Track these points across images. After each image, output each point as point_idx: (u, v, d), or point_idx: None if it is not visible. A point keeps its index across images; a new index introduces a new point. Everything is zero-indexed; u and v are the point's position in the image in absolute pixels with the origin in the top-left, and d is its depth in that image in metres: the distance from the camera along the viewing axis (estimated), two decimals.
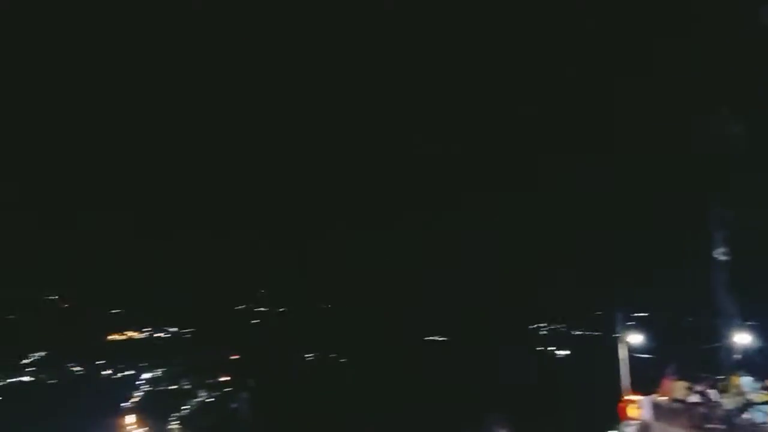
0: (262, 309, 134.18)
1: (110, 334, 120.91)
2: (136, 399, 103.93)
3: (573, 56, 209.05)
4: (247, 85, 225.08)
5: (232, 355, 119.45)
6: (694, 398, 21.24)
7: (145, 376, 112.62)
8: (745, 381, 20.45)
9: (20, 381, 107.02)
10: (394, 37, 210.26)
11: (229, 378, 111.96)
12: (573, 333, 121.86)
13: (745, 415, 19.16)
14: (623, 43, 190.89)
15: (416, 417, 79.07)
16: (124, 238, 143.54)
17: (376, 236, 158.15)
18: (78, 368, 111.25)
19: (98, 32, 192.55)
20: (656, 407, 22.80)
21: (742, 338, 24.25)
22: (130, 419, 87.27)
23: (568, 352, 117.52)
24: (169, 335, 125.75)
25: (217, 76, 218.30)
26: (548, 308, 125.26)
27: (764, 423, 18.61)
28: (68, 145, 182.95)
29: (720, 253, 25.33)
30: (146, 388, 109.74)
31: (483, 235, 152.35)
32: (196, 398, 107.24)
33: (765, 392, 19.89)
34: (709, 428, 19.62)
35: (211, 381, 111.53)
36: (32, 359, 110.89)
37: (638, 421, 23.62)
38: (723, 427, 19.28)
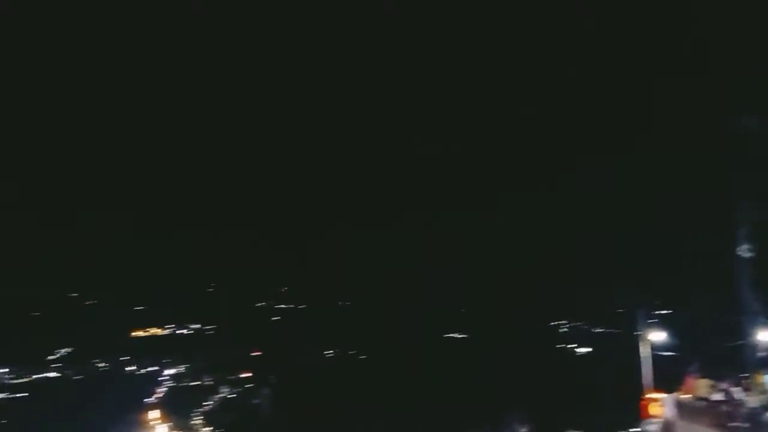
0: (283, 306, 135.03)
1: (134, 331, 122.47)
2: (160, 394, 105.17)
3: (573, 56, 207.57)
4: (247, 85, 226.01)
5: (254, 352, 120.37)
6: (718, 396, 21.18)
7: (168, 372, 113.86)
8: None
9: (46, 377, 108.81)
10: (394, 37, 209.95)
11: (250, 374, 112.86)
12: (594, 330, 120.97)
13: None
14: (623, 43, 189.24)
15: (436, 414, 79.24)
16: (146, 237, 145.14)
17: (393, 235, 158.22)
18: (103, 364, 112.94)
19: (98, 32, 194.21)
20: (679, 405, 22.75)
21: (767, 336, 24.07)
22: (154, 414, 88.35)
23: (589, 350, 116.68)
24: (191, 332, 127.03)
25: (217, 76, 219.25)
26: (569, 306, 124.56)
27: None
28: (84, 143, 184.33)
29: (744, 250, 25.17)
30: (169, 383, 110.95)
31: (502, 232, 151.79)
32: (218, 394, 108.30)
33: None
34: (733, 426, 19.55)
35: (232, 377, 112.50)
36: (58, 355, 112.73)
37: (661, 419, 23.57)
38: (747, 425, 19.20)
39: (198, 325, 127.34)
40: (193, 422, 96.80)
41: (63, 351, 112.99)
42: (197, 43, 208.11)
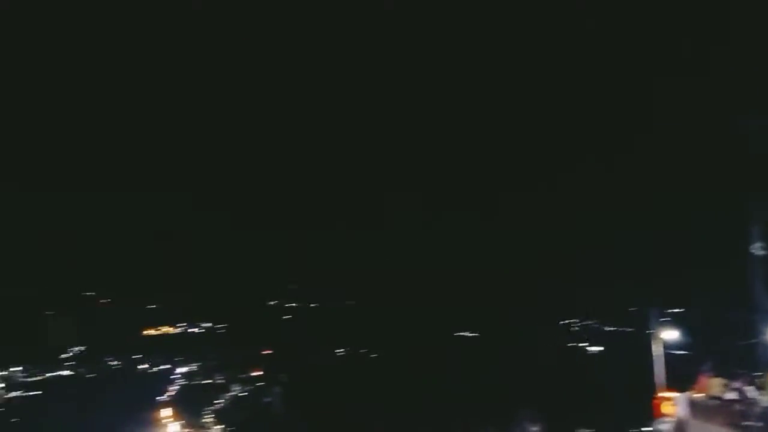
0: (293, 304, 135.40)
1: (146, 329, 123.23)
2: (172, 393, 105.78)
3: (574, 56, 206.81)
4: (247, 85, 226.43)
5: (265, 350, 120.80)
6: (731, 395, 21.05)
7: (180, 370, 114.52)
8: None
9: (60, 375, 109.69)
10: (394, 37, 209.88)
11: (261, 373, 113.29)
12: (605, 329, 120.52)
13: None
14: (623, 43, 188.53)
15: (447, 412, 79.24)
16: (158, 237, 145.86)
17: (403, 234, 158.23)
18: (115, 362, 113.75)
19: (97, 31, 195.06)
20: (692, 404, 22.64)
21: None
22: (166, 412, 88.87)
23: (600, 349, 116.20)
24: (203, 330, 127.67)
25: (217, 76, 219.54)
26: (580, 304, 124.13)
27: None
28: (83, 142, 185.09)
29: (757, 249, 24.99)
30: (181, 382, 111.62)
31: (507, 232, 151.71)
32: (229, 392, 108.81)
33: None
34: (746, 425, 19.45)
35: (243, 376, 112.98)
36: (71, 354, 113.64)
37: (674, 418, 23.49)
38: (760, 424, 19.10)
39: (209, 324, 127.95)
40: (204, 420, 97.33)
41: (76, 349, 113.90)
42: (197, 43, 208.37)
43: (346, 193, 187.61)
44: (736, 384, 21.19)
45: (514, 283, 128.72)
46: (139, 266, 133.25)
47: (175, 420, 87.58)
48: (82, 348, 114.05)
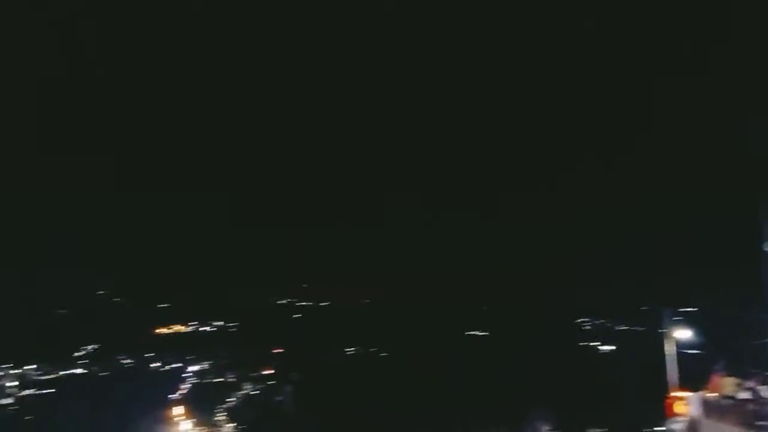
0: (304, 303, 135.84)
1: (158, 328, 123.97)
2: (184, 391, 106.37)
3: (574, 56, 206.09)
4: (248, 86, 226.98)
5: (276, 349, 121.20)
6: (745, 395, 20.97)
7: (192, 368, 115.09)
8: None
9: (72, 373, 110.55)
10: (394, 37, 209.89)
11: (272, 371, 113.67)
12: (618, 328, 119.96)
13: None
14: (623, 43, 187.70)
15: (458, 411, 79.22)
16: (169, 235, 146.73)
17: (414, 234, 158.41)
18: (128, 361, 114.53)
19: (97, 31, 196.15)
20: (705, 404, 22.54)
21: None
22: (178, 411, 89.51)
23: (612, 348, 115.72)
24: (214, 329, 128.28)
25: (218, 76, 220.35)
26: (592, 303, 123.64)
27: None
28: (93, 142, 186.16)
29: None
30: (193, 380, 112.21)
31: (513, 231, 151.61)
32: (241, 391, 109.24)
33: None
34: (759, 425, 19.35)
35: (255, 374, 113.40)
36: (84, 352, 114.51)
37: (686, 418, 23.39)
38: None
39: (221, 322, 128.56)
40: (216, 418, 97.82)
41: (89, 347, 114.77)
42: (197, 43, 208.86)
43: (346, 193, 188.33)
44: (750, 383, 21.10)
45: (524, 282, 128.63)
46: (150, 265, 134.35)
47: (187, 418, 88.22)
48: (96, 346, 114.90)
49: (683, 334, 27.28)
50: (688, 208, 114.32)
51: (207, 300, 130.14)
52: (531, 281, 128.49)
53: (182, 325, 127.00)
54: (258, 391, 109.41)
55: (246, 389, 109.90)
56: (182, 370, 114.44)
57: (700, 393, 23.14)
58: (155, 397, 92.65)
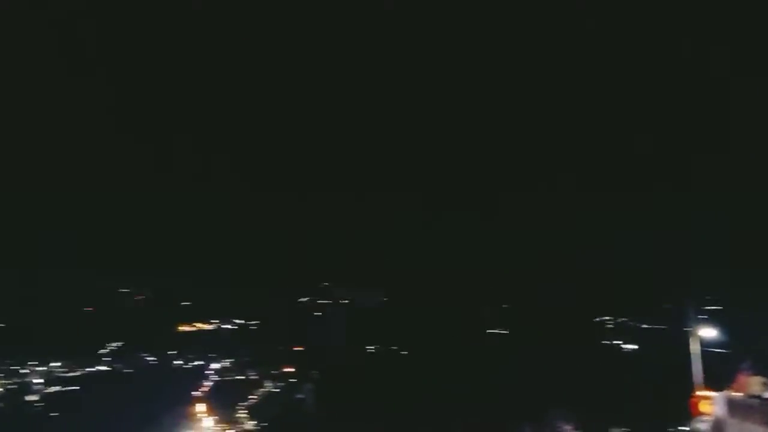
0: (325, 301, 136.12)
1: (180, 326, 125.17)
2: (206, 388, 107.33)
3: (574, 56, 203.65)
4: (248, 86, 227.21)
5: (296, 347, 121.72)
6: None
7: (214, 366, 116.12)
8: None
9: (98, 370, 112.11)
10: (394, 37, 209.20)
11: (293, 369, 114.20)
12: (641, 327, 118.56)
13: None
14: (623, 43, 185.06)
15: (480, 409, 78.91)
16: (191, 234, 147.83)
17: (436, 234, 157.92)
18: (151, 358, 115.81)
19: (97, 31, 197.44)
20: (730, 403, 22.16)
21: None
22: (201, 407, 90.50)
23: (635, 347, 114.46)
24: (236, 327, 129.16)
25: (218, 76, 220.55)
26: (615, 301, 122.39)
27: None
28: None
29: None
30: (215, 378, 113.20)
31: (523, 230, 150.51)
32: (262, 388, 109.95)
33: None
34: None
35: (276, 372, 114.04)
36: (109, 349, 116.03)
37: (711, 417, 23.04)
38: None
39: (242, 321, 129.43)
40: (238, 415, 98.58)
41: (113, 345, 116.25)
42: (197, 42, 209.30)
43: (346, 193, 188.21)
44: None
45: (545, 279, 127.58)
46: (172, 262, 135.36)
47: (210, 415, 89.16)
48: (120, 344, 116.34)
49: (708, 332, 26.88)
50: (686, 208, 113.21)
51: (229, 298, 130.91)
52: (551, 278, 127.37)
53: (204, 322, 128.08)
54: (279, 389, 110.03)
55: (267, 387, 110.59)
56: (204, 367, 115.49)
57: (726, 392, 22.76)
58: (178, 394, 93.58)
